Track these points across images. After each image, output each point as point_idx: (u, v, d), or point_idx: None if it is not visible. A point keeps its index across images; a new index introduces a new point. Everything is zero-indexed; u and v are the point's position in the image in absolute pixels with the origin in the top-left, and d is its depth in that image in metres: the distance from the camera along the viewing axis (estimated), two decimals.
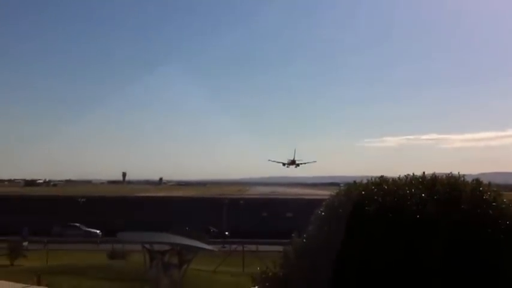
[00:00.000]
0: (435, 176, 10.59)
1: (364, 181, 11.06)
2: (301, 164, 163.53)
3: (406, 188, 9.98)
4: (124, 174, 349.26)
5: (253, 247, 52.28)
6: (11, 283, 31.29)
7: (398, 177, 10.76)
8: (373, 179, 10.96)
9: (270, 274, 11.30)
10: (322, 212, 10.99)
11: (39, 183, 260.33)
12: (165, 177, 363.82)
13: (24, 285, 30.49)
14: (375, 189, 10.33)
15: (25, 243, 54.38)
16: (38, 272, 31.91)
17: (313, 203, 12.79)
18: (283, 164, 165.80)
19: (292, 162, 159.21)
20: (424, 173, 10.71)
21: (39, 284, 30.46)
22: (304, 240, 10.87)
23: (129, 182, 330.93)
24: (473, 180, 10.41)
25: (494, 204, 9.70)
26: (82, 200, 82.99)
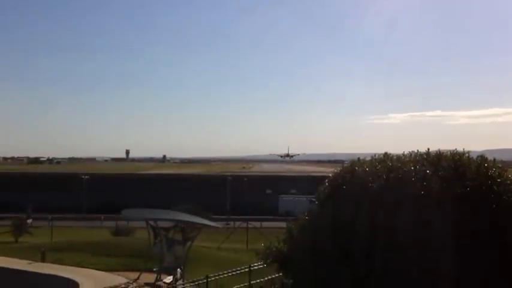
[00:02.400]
0: (440, 152, 10.51)
1: (369, 158, 11.00)
2: (294, 156, 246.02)
3: (411, 165, 9.91)
4: (127, 152, 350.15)
5: (257, 224, 52.43)
6: (16, 259, 31.54)
7: (403, 154, 10.69)
8: (377, 155, 10.90)
9: (274, 250, 11.33)
10: (325, 188, 10.96)
11: (43, 160, 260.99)
12: (168, 155, 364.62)
13: (29, 261, 30.70)
14: (379, 166, 10.28)
15: (29, 220, 54.60)
16: (42, 248, 32.12)
17: (317, 180, 12.77)
18: (281, 156, 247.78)
19: (287, 155, 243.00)
20: (428, 149, 10.63)
21: (43, 261, 30.67)
22: (308, 216, 10.86)
23: (133, 160, 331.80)
24: (478, 156, 10.33)
25: (499, 180, 9.63)
26: (86, 177, 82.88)
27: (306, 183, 73.44)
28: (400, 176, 9.72)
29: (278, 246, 11.35)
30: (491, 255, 8.95)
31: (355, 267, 9.14)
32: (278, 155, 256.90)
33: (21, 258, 31.75)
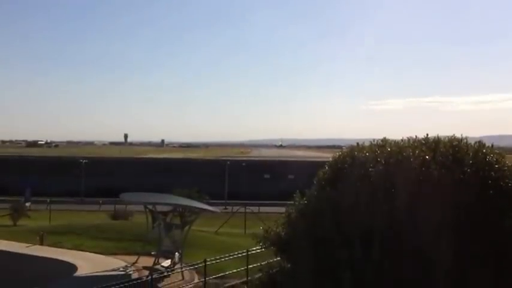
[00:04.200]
0: (438, 138, 10.54)
1: (367, 143, 11.02)
2: (285, 146, 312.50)
3: (410, 150, 9.94)
4: (126, 136, 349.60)
5: (255, 208, 52.51)
6: (15, 243, 31.61)
7: (402, 139, 10.71)
8: (376, 141, 10.92)
9: (273, 234, 11.38)
10: (325, 173, 10.99)
11: (41, 144, 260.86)
12: (167, 139, 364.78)
13: (27, 244, 30.78)
14: (378, 151, 10.30)
15: (28, 204, 54.64)
16: (41, 232, 32.18)
17: (316, 165, 12.79)
18: (276, 146, 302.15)
19: (280, 145, 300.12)
20: (427, 135, 10.65)
21: (42, 244, 30.76)
22: (306, 201, 10.89)
23: (131, 144, 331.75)
24: (476, 142, 10.36)
25: (496, 166, 9.68)
26: (84, 161, 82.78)
27: (304, 168, 73.50)
28: (399, 161, 9.76)
29: (277, 231, 11.39)
30: (489, 239, 9.00)
31: (354, 251, 9.20)
32: (274, 145, 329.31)
33: (19, 241, 31.80)
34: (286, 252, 11.09)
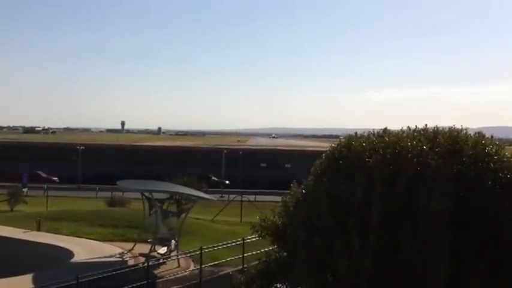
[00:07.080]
0: (437, 128, 10.51)
1: (365, 133, 10.99)
2: (277, 137, 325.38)
3: (408, 140, 9.91)
4: (123, 123, 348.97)
5: (251, 197, 52.56)
6: (12, 228, 31.67)
7: (400, 130, 10.68)
8: (374, 131, 10.88)
9: (269, 223, 11.37)
10: (322, 162, 10.96)
11: (38, 130, 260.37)
12: (163, 127, 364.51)
13: (24, 230, 30.84)
14: (376, 141, 10.28)
15: (25, 190, 54.62)
16: (38, 217, 32.22)
17: (313, 155, 12.79)
18: (270, 138, 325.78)
19: (273, 137, 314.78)
20: (426, 125, 10.63)
21: (39, 229, 30.83)
22: (304, 190, 10.88)
23: (128, 131, 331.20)
24: (475, 133, 10.34)
25: (495, 157, 9.66)
26: (81, 147, 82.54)
27: (301, 158, 73.54)
28: (396, 151, 9.73)
29: (273, 220, 11.39)
30: (486, 231, 9.01)
31: (350, 241, 9.20)
32: (270, 136, 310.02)
33: (16, 227, 31.87)
34: (283, 241, 11.10)
